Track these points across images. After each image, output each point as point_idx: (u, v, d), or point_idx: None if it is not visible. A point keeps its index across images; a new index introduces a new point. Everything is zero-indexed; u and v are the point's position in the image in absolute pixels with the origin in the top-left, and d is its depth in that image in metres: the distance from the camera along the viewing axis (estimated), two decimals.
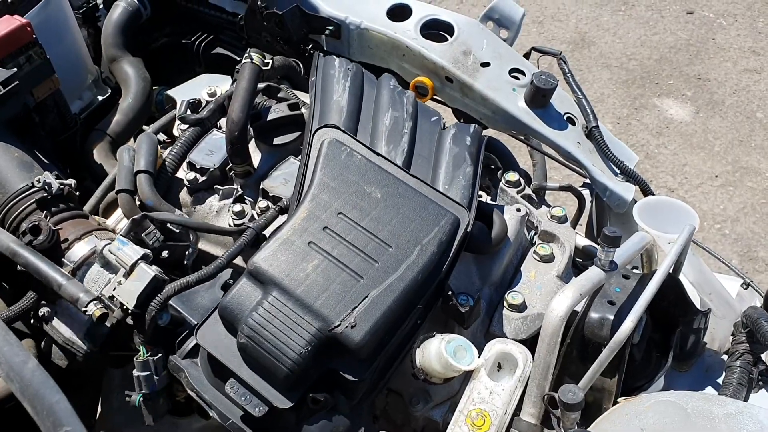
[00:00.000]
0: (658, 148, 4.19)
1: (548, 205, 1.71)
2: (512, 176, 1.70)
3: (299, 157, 1.52)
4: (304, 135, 1.52)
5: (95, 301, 1.27)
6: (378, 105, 1.52)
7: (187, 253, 1.50)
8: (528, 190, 1.71)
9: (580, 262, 1.77)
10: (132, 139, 2.05)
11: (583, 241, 1.82)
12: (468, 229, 1.34)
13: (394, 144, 1.45)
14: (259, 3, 1.93)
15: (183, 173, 1.60)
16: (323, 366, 1.20)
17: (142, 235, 1.49)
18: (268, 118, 1.59)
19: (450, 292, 1.30)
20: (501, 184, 1.70)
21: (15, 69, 1.60)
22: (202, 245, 1.57)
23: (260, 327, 1.18)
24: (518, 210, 1.56)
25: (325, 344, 1.18)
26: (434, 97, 1.90)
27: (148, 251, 1.33)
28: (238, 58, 2.16)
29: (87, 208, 1.70)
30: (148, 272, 1.29)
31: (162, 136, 1.78)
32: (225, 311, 1.23)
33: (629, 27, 5.04)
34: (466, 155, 1.45)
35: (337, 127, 1.41)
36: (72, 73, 2.10)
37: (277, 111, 1.59)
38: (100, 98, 2.23)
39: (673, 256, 1.36)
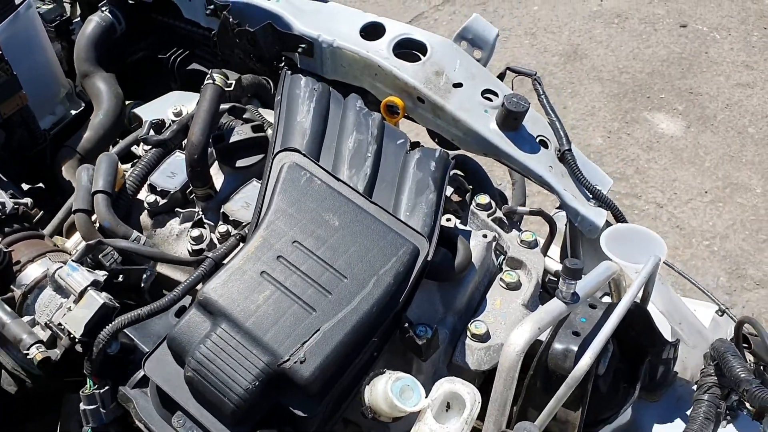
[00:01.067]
0: (648, 162, 4.16)
1: (519, 230, 1.68)
2: (483, 199, 1.67)
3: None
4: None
5: (38, 344, 1.24)
6: (343, 127, 1.49)
7: (144, 276, 1.47)
8: (499, 213, 1.68)
9: (552, 287, 1.74)
10: None
11: (556, 265, 1.79)
12: (428, 259, 1.31)
13: (357, 168, 1.42)
14: (231, 20, 1.90)
15: (144, 195, 1.57)
16: (272, 401, 1.16)
17: (100, 256, 1.46)
18: (231, 140, 1.56)
19: (407, 324, 1.27)
20: (471, 207, 1.67)
21: None
22: (161, 269, 1.54)
23: (207, 360, 1.15)
24: (485, 236, 1.53)
25: (274, 379, 1.14)
26: (407, 116, 1.87)
27: (98, 278, 1.30)
28: None
29: (49, 228, 1.67)
30: (96, 300, 1.25)
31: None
32: (173, 343, 1.20)
33: (622, 40, 5.01)
34: (429, 181, 1.42)
35: (298, 151, 1.38)
36: (43, 88, 2.08)
37: (240, 133, 1.56)
38: (73, 112, 2.21)
39: (637, 286, 1.33)
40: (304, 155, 1.38)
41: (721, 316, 1.79)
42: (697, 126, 4.37)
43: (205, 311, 1.20)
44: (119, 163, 1.64)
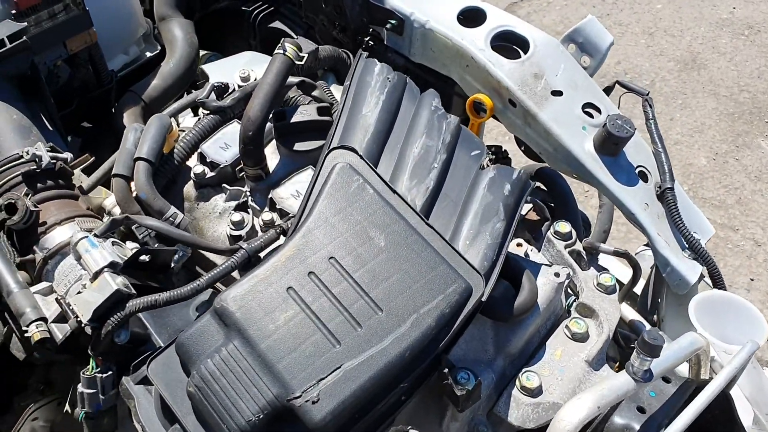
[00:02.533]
0: (753, 194, 3.80)
1: (598, 268, 1.47)
2: (563, 227, 1.47)
3: None
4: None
5: (38, 322, 1.13)
6: (412, 128, 1.31)
7: (176, 257, 1.34)
8: (578, 246, 1.48)
9: (623, 334, 1.54)
10: None
11: (632, 314, 1.58)
12: (482, 300, 1.13)
13: (419, 179, 1.24)
14: None
15: (193, 163, 1.44)
16: None
17: (133, 227, 1.34)
18: (293, 120, 1.40)
19: (446, 369, 1.10)
20: (549, 234, 1.47)
21: (25, 24, 1.46)
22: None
23: (212, 379, 1.01)
24: (557, 275, 1.34)
25: (281, 414, 1.00)
26: (495, 117, 1.68)
27: (117, 259, 1.17)
28: (295, 37, 1.99)
29: (92, 179, 1.56)
30: (110, 285, 1.13)
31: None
32: (181, 348, 1.07)
33: (749, 54, 4.59)
34: (500, 207, 1.23)
35: (355, 151, 1.21)
36: (118, 26, 1.97)
37: (304, 113, 1.41)
38: (148, 55, 2.10)
39: (727, 375, 1.12)
40: (361, 157, 1.21)
41: None
42: None
43: (220, 321, 1.06)
44: (174, 125, 1.52)
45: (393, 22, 1.70)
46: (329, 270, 1.08)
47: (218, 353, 1.03)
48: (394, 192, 1.19)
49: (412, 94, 1.38)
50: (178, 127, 1.56)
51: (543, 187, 1.84)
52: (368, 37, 1.78)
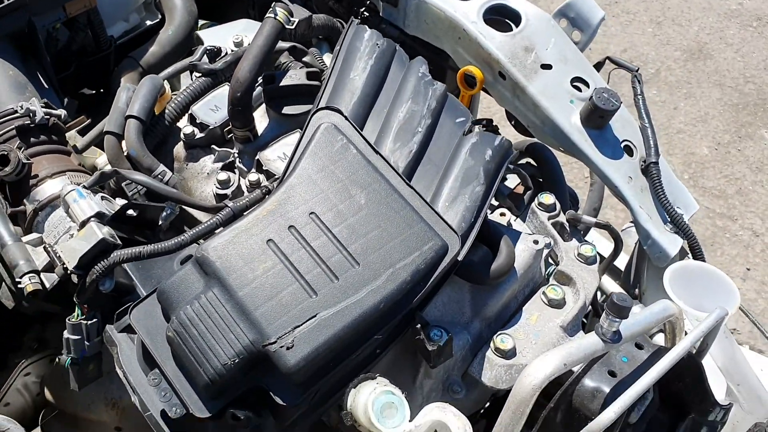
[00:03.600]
0: (754, 185, 3.80)
1: (580, 240, 1.50)
2: (547, 198, 1.49)
3: None
4: None
5: (31, 274, 1.16)
6: (399, 93, 1.33)
7: (164, 214, 1.37)
8: (562, 218, 1.50)
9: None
10: None
11: (613, 287, 1.61)
12: (458, 259, 1.16)
13: (403, 142, 1.26)
14: None
15: (183, 124, 1.47)
16: (252, 381, 1.05)
17: (123, 184, 1.38)
18: (282, 84, 1.43)
19: (419, 325, 1.13)
20: (533, 205, 1.49)
21: None
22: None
23: (190, 324, 1.04)
24: (535, 242, 1.36)
25: (257, 360, 1.03)
26: (485, 89, 1.69)
27: (104, 210, 1.20)
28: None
29: (86, 139, 1.59)
30: (96, 234, 1.16)
31: None
32: (162, 296, 1.10)
33: (756, 46, 4.57)
34: (480, 171, 1.25)
35: (340, 112, 1.24)
36: None
37: (293, 77, 1.43)
38: (148, 23, 2.12)
39: (693, 339, 1.14)
40: (346, 118, 1.23)
41: None
42: None
43: (201, 270, 1.09)
44: (167, 87, 1.55)
45: None
46: (309, 224, 1.11)
47: (197, 300, 1.06)
48: (377, 153, 1.21)
49: (401, 61, 1.40)
50: (172, 90, 1.58)
51: (533, 162, 1.86)
52: (363, 8, 1.80)
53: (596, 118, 1.49)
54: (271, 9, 1.41)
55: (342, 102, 1.29)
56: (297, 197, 1.14)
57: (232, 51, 1.55)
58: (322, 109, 1.25)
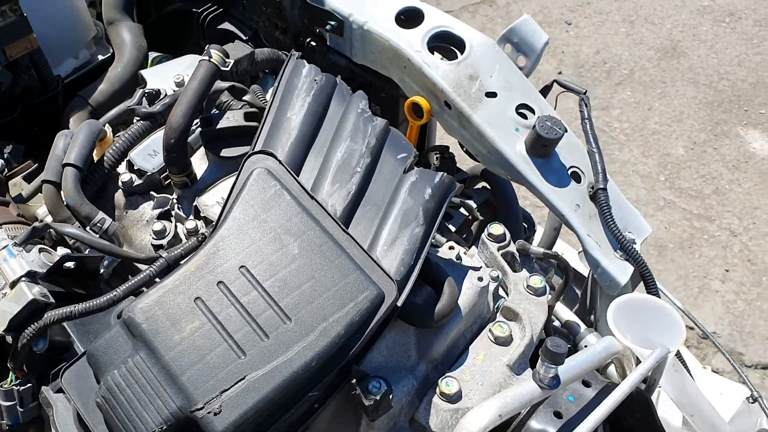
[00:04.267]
0: (731, 184, 3.79)
1: (531, 270, 1.48)
2: (496, 228, 1.47)
3: None
4: None
5: None
6: (339, 131, 1.31)
7: (105, 263, 1.35)
8: (512, 247, 1.48)
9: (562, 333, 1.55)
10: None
11: (568, 315, 1.59)
12: (397, 306, 1.14)
13: (341, 184, 1.24)
14: None
15: (122, 170, 1.45)
16: None
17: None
18: (219, 126, 1.41)
19: (355, 380, 1.10)
20: (483, 236, 1.47)
21: None
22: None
23: (117, 390, 1.02)
24: (480, 279, 1.34)
25: (185, 426, 1.01)
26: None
27: (35, 268, 1.18)
28: (245, 37, 1.99)
29: (30, 188, 1.57)
30: (26, 294, 1.14)
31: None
32: (91, 359, 1.07)
33: (729, 42, 4.57)
34: (419, 212, 1.23)
35: (274, 156, 1.21)
36: (64, 30, 1.97)
37: (230, 119, 1.41)
38: (100, 58, 2.10)
39: (636, 378, 1.13)
40: (280, 162, 1.21)
41: (752, 403, 1.55)
42: None
43: (128, 332, 1.06)
44: (109, 131, 1.53)
45: (333, 23, 1.69)
46: (239, 279, 1.09)
47: (125, 365, 1.03)
48: (313, 198, 1.19)
49: (342, 96, 1.38)
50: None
51: (488, 186, 1.84)
52: (310, 39, 1.78)
53: (540, 147, 1.47)
54: (205, 51, 1.39)
55: (278, 143, 1.27)
56: (227, 250, 1.11)
57: (173, 92, 1.53)
58: (255, 153, 1.22)
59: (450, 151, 1.85)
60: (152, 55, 2.06)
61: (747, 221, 3.63)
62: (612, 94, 4.20)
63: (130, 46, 1.93)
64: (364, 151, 1.28)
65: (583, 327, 1.54)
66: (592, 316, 1.59)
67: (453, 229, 1.68)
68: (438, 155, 1.82)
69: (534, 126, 1.46)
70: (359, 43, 1.70)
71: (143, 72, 1.69)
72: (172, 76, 1.65)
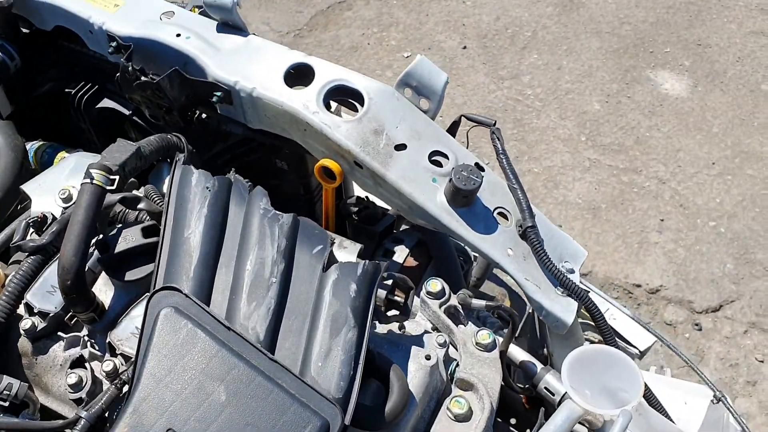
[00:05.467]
0: (650, 130, 3.82)
1: (477, 322, 1.42)
2: (434, 285, 1.41)
3: None
4: None
5: None
6: (244, 239, 1.22)
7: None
8: (453, 300, 1.42)
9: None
10: None
11: (522, 355, 1.54)
12: (346, 425, 1.06)
13: (258, 301, 1.15)
14: (131, 68, 1.59)
15: (21, 312, 1.32)
16: None
17: None
18: (117, 250, 1.29)
19: None
20: (422, 294, 1.41)
21: None
22: (47, 402, 1.30)
23: None
24: (428, 357, 1.28)
25: None
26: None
27: None
28: (128, 112, 1.85)
29: None
30: None
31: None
32: None
33: None
34: (348, 314, 1.15)
35: (178, 290, 1.11)
36: None
37: (128, 239, 1.29)
38: None
39: None
40: (186, 295, 1.11)
41: (716, 403, 1.55)
42: (705, 84, 4.01)
43: None
44: (0, 272, 1.39)
45: (218, 94, 1.57)
46: None
47: None
48: (229, 329, 1.10)
49: (240, 197, 1.28)
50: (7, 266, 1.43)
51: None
52: (198, 113, 1.66)
53: (461, 198, 1.40)
54: (85, 173, 1.26)
55: (181, 270, 1.17)
56: (149, 414, 1.01)
57: (61, 210, 1.40)
58: (157, 291, 1.12)
59: (368, 198, 1.77)
60: (33, 145, 1.91)
61: (672, 166, 3.67)
62: (520, 60, 4.17)
63: (3, 147, 1.77)
64: (276, 256, 1.19)
65: (539, 366, 1.49)
66: (545, 350, 1.55)
67: (389, 283, 1.61)
68: (356, 208, 1.74)
69: (450, 179, 1.38)
70: (251, 109, 1.59)
71: (25, 188, 1.54)
72: (56, 190, 1.51)
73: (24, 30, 1.86)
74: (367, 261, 1.23)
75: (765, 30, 4.25)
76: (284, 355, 1.13)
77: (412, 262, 1.70)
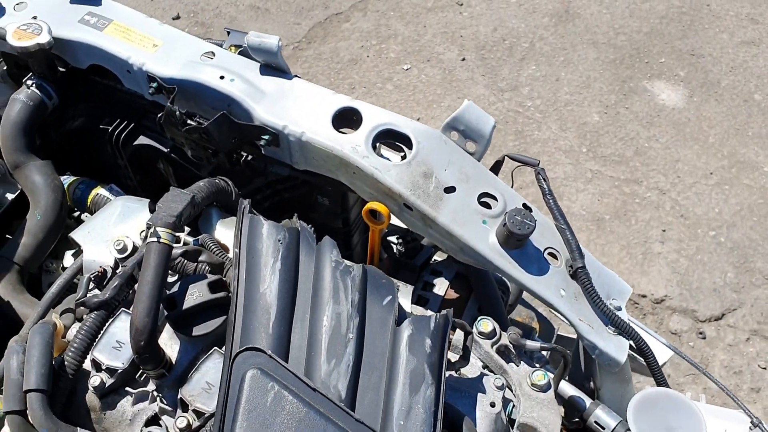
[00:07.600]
0: (649, 141, 3.89)
1: (530, 362, 1.45)
2: (485, 326, 1.45)
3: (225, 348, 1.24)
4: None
5: None
6: (317, 292, 1.24)
7: None
8: (504, 339, 1.46)
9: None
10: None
11: (571, 390, 1.59)
12: None
13: (337, 358, 1.18)
14: (178, 113, 1.60)
15: (88, 368, 1.33)
16: None
17: None
18: (186, 306, 1.30)
19: None
20: (474, 334, 1.44)
21: None
22: None
23: None
24: (492, 404, 1.31)
25: None
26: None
27: None
28: (165, 150, 1.85)
29: None
30: None
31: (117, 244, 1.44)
32: None
33: None
34: (425, 371, 1.18)
35: (262, 351, 1.13)
36: None
37: (195, 295, 1.30)
38: (10, 197, 1.92)
39: None
40: (270, 356, 1.13)
41: (754, 429, 1.60)
42: (700, 95, 4.08)
43: None
44: (58, 320, 1.39)
45: (266, 137, 1.59)
46: None
47: None
48: (314, 389, 1.12)
49: (309, 248, 1.31)
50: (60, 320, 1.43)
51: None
52: (244, 155, 1.68)
53: (514, 242, 1.43)
54: (151, 232, 1.27)
55: (260, 327, 1.19)
56: None
57: (120, 264, 1.41)
58: (241, 352, 1.14)
59: (411, 233, 1.80)
60: (65, 180, 1.91)
61: (672, 176, 3.74)
62: (518, 72, 4.21)
63: (44, 188, 1.76)
64: (351, 311, 1.22)
65: (588, 401, 1.54)
66: (592, 383, 1.59)
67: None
68: (401, 242, 1.76)
69: (504, 223, 1.42)
70: (299, 152, 1.61)
71: (75, 237, 1.54)
72: (105, 231, 1.52)
73: (61, 69, 1.85)
74: (438, 314, 1.26)
75: (755, 40, 4.34)
76: (365, 413, 1.15)
77: (452, 294, 1.74)
